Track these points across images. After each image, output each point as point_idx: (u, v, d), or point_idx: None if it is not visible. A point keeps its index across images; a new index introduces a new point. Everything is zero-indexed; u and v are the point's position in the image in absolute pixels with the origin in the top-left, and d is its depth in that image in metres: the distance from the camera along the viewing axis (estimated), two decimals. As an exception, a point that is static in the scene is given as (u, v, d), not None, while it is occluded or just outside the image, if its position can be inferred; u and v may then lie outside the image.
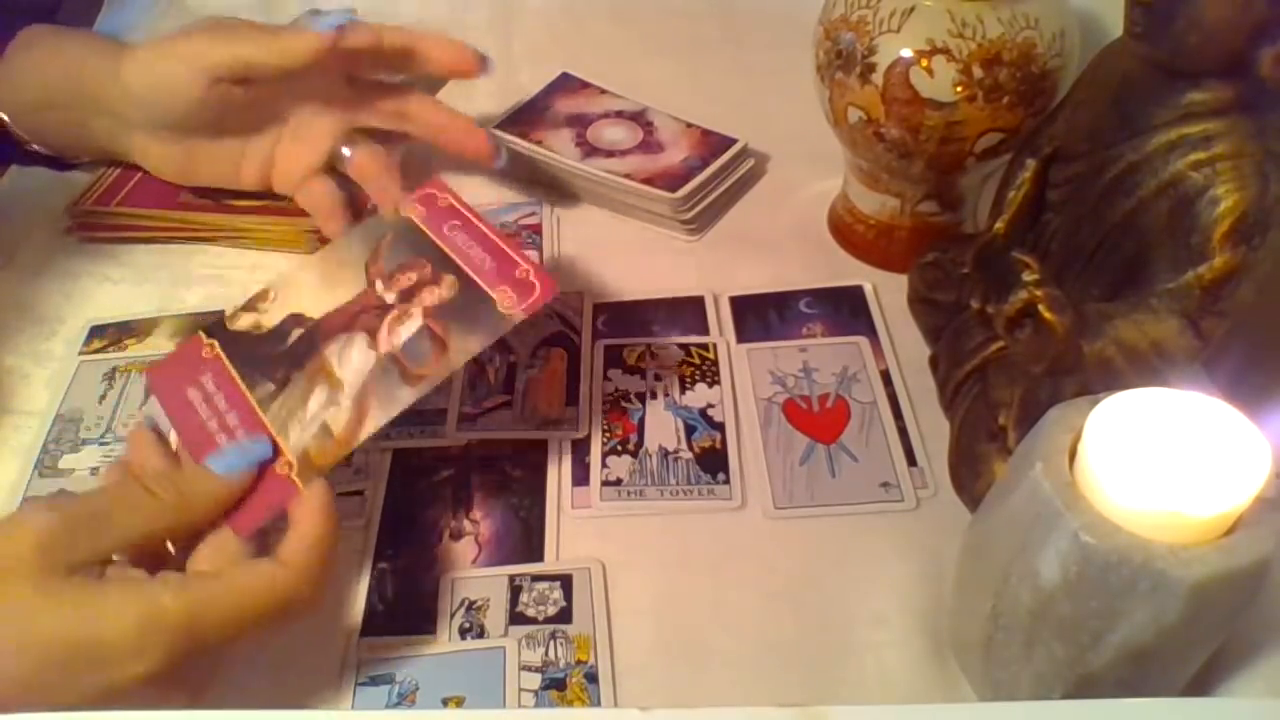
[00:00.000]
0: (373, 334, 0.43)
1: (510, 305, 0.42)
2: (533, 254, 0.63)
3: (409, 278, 0.44)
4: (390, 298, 0.43)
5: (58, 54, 0.58)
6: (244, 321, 0.47)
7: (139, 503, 0.37)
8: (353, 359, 0.42)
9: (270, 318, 0.46)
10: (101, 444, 0.52)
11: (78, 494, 0.38)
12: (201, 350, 0.46)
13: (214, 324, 0.47)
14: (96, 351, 0.57)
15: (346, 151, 0.60)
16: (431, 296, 0.42)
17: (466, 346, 0.42)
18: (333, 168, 0.60)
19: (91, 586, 0.35)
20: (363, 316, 0.44)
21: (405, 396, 0.41)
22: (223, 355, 0.45)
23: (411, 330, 0.42)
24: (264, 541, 0.40)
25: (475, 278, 0.42)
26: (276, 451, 0.41)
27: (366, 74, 0.61)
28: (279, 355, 0.44)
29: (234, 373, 0.44)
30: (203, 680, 0.38)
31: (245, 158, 0.60)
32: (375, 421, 0.41)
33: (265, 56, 0.54)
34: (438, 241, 0.44)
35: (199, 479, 0.39)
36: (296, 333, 0.45)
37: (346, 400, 0.42)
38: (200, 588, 0.36)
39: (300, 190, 0.60)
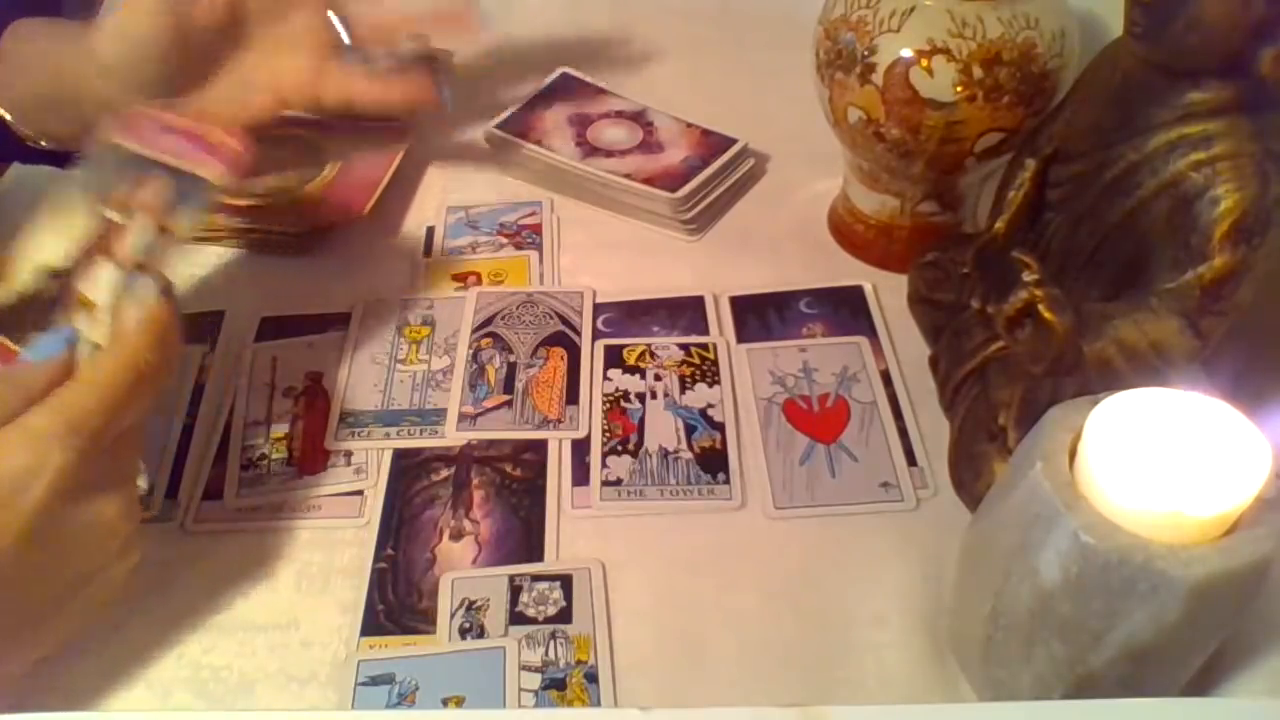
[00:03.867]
0: (111, 254, 0.45)
1: (215, 171, 0.45)
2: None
3: (130, 195, 0.46)
4: (118, 218, 0.46)
5: (42, 54, 0.58)
6: (2, 295, 0.49)
7: None
8: (98, 280, 0.44)
9: (22, 281, 0.48)
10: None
11: None
12: None
13: None
14: (96, 351, 0.57)
15: (337, 21, 0.59)
16: (153, 200, 0.45)
17: (186, 221, 0.45)
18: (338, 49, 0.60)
19: None
20: (101, 244, 0.46)
21: (144, 285, 0.43)
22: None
23: (142, 234, 0.45)
24: None
25: (181, 165, 0.46)
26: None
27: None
28: (42, 309, 0.46)
29: (8, 344, 0.46)
30: (124, 477, 0.41)
31: (249, 90, 0.58)
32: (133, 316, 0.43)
33: None
34: (144, 153, 0.47)
35: (24, 371, 0.41)
36: (51, 283, 0.47)
37: (104, 315, 0.43)
38: (58, 392, 0.39)
39: (329, 91, 0.59)
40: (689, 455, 0.51)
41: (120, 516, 0.40)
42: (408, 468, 0.51)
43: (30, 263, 0.48)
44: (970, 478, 0.49)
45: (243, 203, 0.62)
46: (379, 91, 0.60)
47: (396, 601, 0.46)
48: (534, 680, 0.43)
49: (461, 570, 0.47)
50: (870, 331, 0.57)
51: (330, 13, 0.59)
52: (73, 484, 0.38)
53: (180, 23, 0.55)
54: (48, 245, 0.48)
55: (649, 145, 0.67)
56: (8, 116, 0.59)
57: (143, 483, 0.46)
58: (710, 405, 0.54)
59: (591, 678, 0.43)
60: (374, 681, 0.43)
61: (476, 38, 0.63)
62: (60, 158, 0.63)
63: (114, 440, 0.40)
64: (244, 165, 0.46)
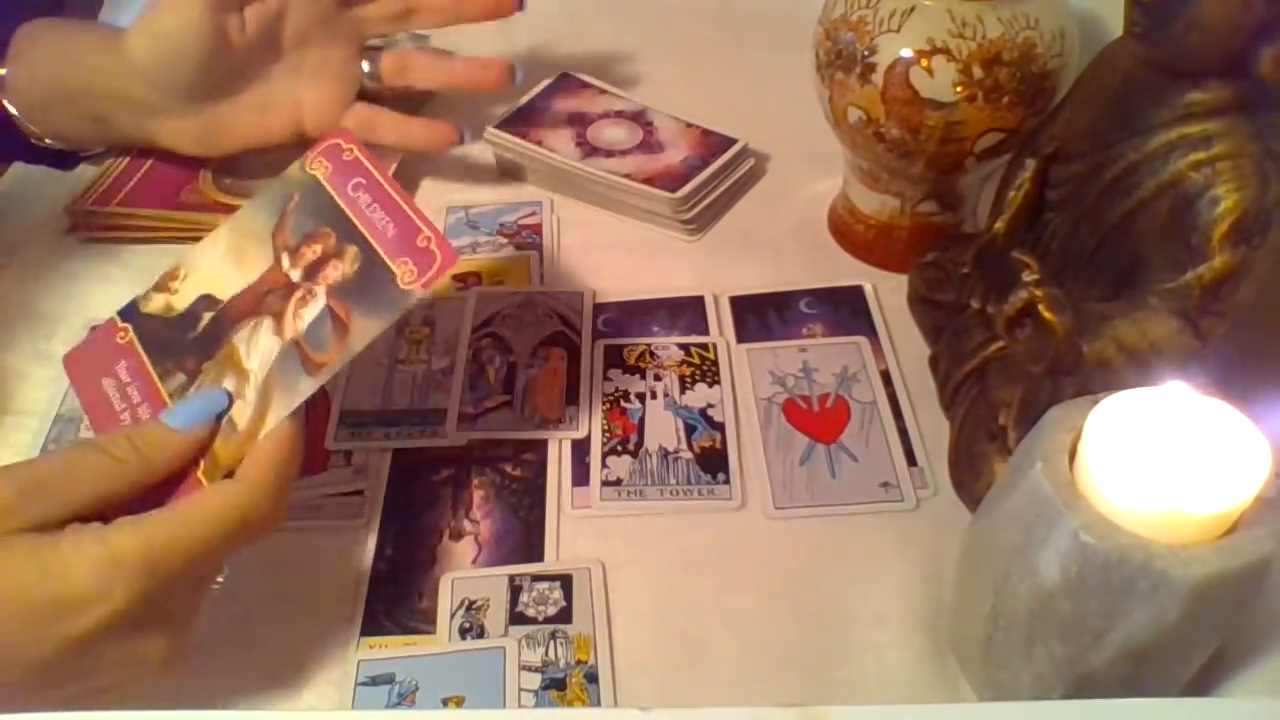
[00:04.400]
0: (278, 317, 0.41)
1: (411, 280, 0.39)
2: (536, 254, 0.63)
3: (314, 250, 0.41)
4: (295, 274, 0.41)
5: (62, 49, 0.58)
6: (156, 303, 0.44)
7: (95, 464, 0.36)
8: (259, 346, 0.40)
9: (182, 299, 0.44)
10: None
11: (34, 459, 0.37)
12: (116, 336, 0.44)
13: (128, 307, 0.44)
14: (96, 351, 0.57)
15: (366, 66, 0.62)
16: (335, 272, 0.40)
17: (367, 329, 0.40)
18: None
19: (45, 542, 0.34)
20: (269, 298, 0.41)
21: (305, 387, 0.39)
22: (136, 342, 0.43)
23: (315, 312, 0.40)
24: None
25: (378, 248, 0.40)
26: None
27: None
28: (190, 342, 0.42)
29: (147, 362, 0.42)
30: (184, 617, 0.38)
31: (269, 111, 0.60)
32: (277, 414, 0.39)
33: None
34: (342, 204, 0.42)
35: (157, 435, 0.38)
36: (207, 316, 0.43)
37: (251, 393, 0.39)
38: (153, 519, 0.35)
39: (349, 128, 0.60)
40: (689, 455, 0.51)
41: (164, 656, 0.37)
42: (408, 468, 0.51)
43: (195, 283, 0.43)
44: (970, 478, 0.49)
45: (241, 203, 0.62)
46: (401, 133, 0.62)
47: (396, 601, 0.46)
48: (534, 680, 0.43)
49: (461, 570, 0.47)
50: (870, 331, 0.57)
51: (364, 61, 0.62)
52: (125, 623, 0.35)
53: (214, 31, 0.55)
54: (217, 270, 0.43)
55: (649, 145, 0.67)
56: (14, 112, 0.59)
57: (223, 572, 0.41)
58: (710, 405, 0.54)
59: (591, 678, 0.43)
60: (374, 681, 0.43)
61: (507, 90, 0.64)
62: (63, 158, 0.63)
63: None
64: (440, 282, 0.39)
